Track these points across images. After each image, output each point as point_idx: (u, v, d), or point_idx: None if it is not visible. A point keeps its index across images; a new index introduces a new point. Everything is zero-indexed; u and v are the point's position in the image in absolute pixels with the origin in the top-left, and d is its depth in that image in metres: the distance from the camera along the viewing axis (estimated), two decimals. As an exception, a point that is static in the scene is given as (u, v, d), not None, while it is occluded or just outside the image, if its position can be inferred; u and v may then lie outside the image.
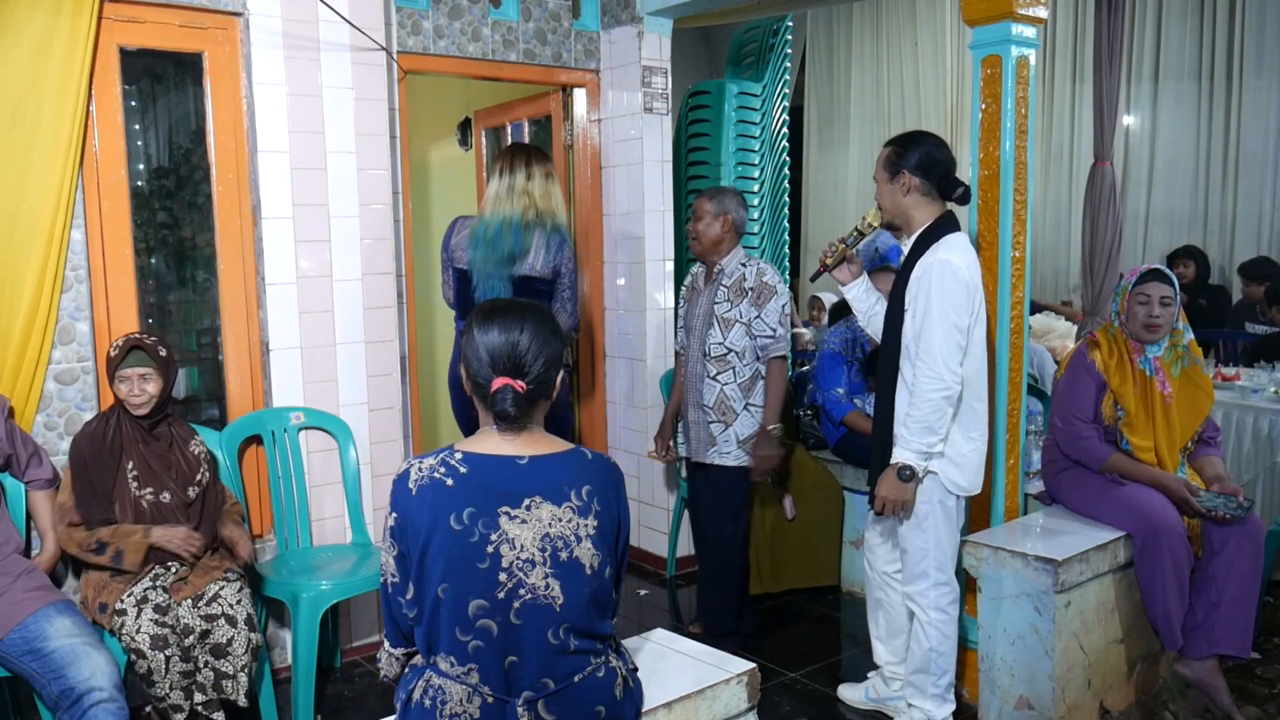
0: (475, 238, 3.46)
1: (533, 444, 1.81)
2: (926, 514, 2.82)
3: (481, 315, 1.82)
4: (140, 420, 2.91)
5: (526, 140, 4.89)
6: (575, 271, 3.58)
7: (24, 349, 2.94)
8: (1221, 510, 2.89)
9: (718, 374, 3.47)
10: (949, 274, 2.68)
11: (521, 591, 1.71)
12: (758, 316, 3.41)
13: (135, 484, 2.89)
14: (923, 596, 2.86)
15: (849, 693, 3.25)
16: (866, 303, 3.06)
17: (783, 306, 3.43)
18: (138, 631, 2.67)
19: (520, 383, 1.76)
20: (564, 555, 1.75)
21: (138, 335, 2.93)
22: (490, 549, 1.70)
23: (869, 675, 3.23)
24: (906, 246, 2.87)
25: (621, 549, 1.88)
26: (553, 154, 4.72)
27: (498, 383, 1.76)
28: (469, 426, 3.55)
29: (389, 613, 1.82)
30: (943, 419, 2.71)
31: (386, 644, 1.88)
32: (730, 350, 3.44)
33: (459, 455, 1.76)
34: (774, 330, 3.41)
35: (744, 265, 3.47)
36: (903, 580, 2.94)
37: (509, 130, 5.02)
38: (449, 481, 1.72)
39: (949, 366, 2.69)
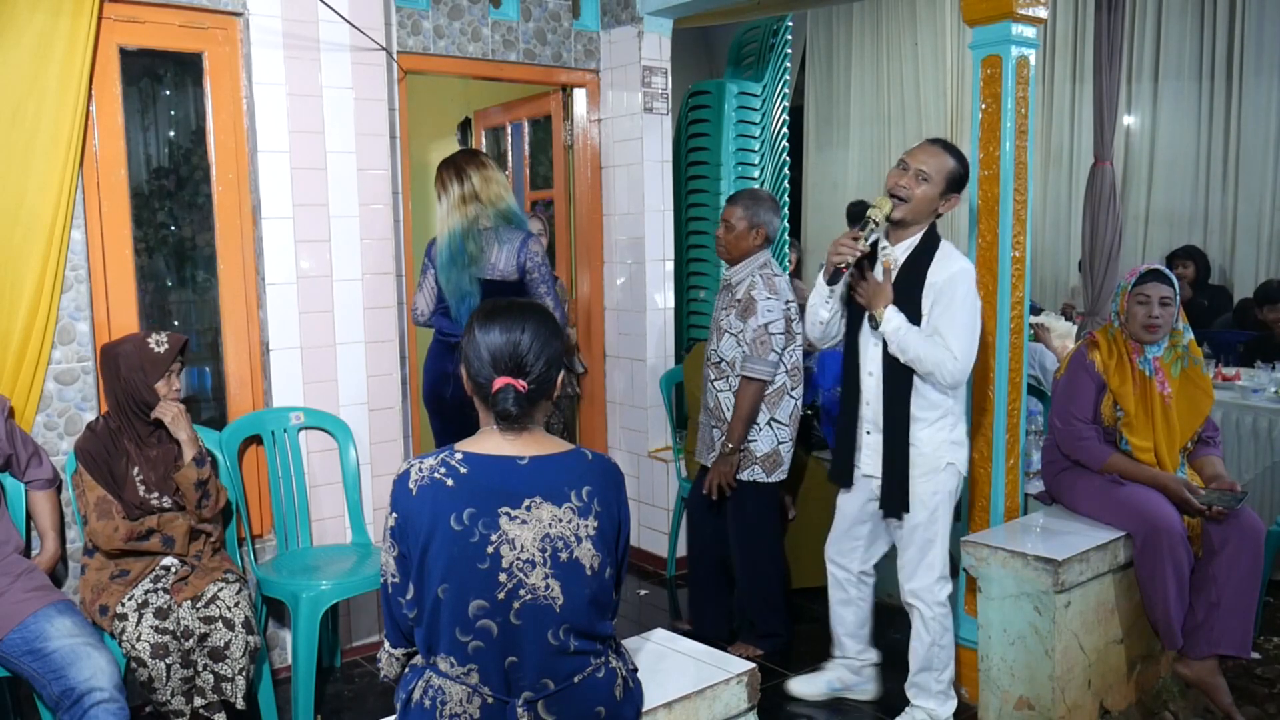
0: (439, 263, 3.45)
1: (533, 444, 1.81)
2: (937, 505, 2.84)
3: (483, 315, 1.82)
4: (142, 422, 2.92)
5: (526, 140, 4.89)
6: (545, 265, 3.49)
7: (24, 349, 2.94)
8: (1218, 505, 2.90)
9: (715, 380, 3.47)
10: (973, 283, 2.77)
11: (521, 592, 1.71)
12: (741, 330, 3.36)
13: (143, 487, 2.89)
14: (928, 592, 2.87)
15: (804, 687, 3.23)
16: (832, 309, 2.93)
17: (765, 326, 3.29)
18: (138, 639, 2.67)
19: (522, 382, 1.77)
20: (564, 556, 1.75)
21: (169, 332, 2.99)
22: (490, 549, 1.70)
23: (826, 665, 3.25)
24: (901, 249, 2.82)
25: (622, 550, 1.88)
26: (553, 154, 4.72)
27: (499, 382, 1.76)
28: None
29: (389, 613, 1.82)
30: (933, 367, 2.72)
31: (386, 644, 1.88)
32: (723, 359, 3.43)
33: (459, 455, 1.76)
34: (747, 349, 3.33)
35: (750, 276, 3.39)
36: (904, 578, 2.92)
37: (509, 130, 5.02)
38: (449, 482, 1.72)
39: (969, 364, 2.76)
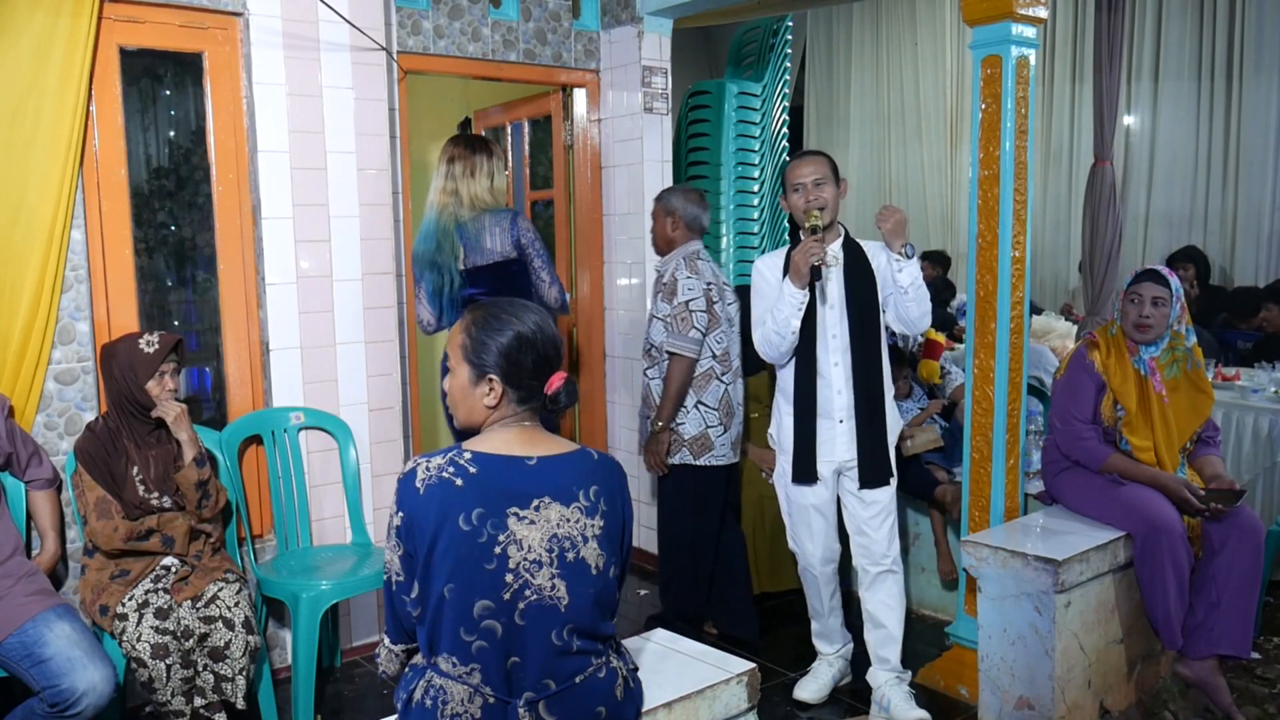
0: (415, 250, 3.42)
1: (541, 444, 1.81)
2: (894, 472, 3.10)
3: (496, 324, 1.80)
4: (141, 422, 2.92)
5: (526, 140, 4.89)
6: (540, 241, 3.43)
7: (24, 349, 2.94)
8: (1218, 503, 2.90)
9: (648, 368, 3.54)
10: None
11: (527, 592, 1.71)
12: (668, 313, 3.43)
13: (143, 487, 2.89)
14: (899, 555, 3.11)
15: (811, 692, 3.27)
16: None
17: (686, 303, 3.38)
18: (138, 640, 2.67)
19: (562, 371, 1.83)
20: (570, 556, 1.75)
21: (162, 331, 2.98)
22: (498, 550, 1.70)
23: (821, 664, 3.32)
24: (835, 247, 2.99)
25: (625, 549, 1.88)
26: (553, 154, 4.72)
27: (557, 379, 1.81)
28: None
29: (391, 609, 1.82)
30: (927, 303, 3.03)
31: (386, 640, 1.88)
32: (652, 345, 3.50)
33: (468, 455, 1.75)
34: (667, 326, 3.41)
35: (675, 261, 3.48)
36: (881, 549, 3.07)
37: (509, 130, 5.02)
38: (458, 482, 1.72)
39: None
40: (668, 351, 3.42)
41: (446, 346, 1.87)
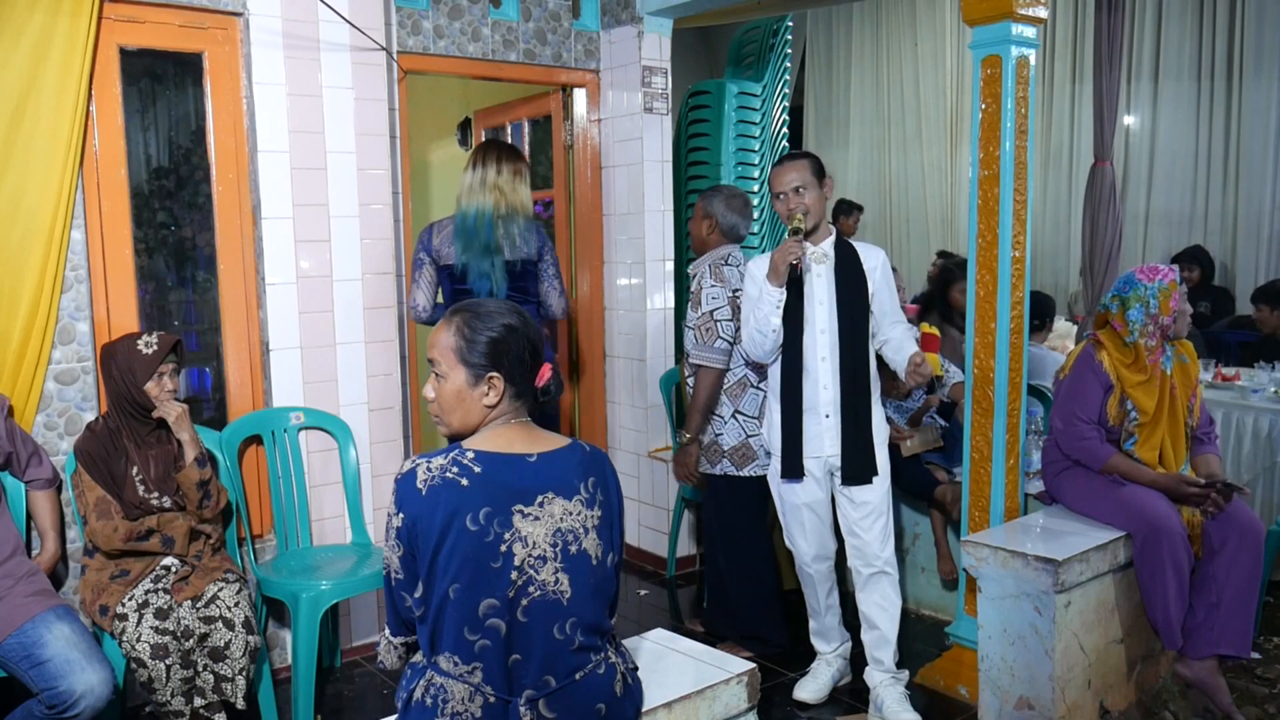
0: (456, 230, 3.43)
1: (538, 440, 1.82)
2: (887, 473, 3.08)
3: (488, 322, 1.81)
4: (141, 422, 2.92)
5: (526, 140, 4.89)
6: (554, 251, 3.60)
7: (24, 349, 2.94)
8: (1214, 491, 2.90)
9: (688, 376, 3.49)
10: None
11: (530, 589, 1.72)
12: (695, 321, 3.39)
13: (143, 487, 2.89)
14: (893, 556, 3.09)
15: (811, 692, 3.26)
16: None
17: (710, 313, 3.31)
18: (138, 640, 2.67)
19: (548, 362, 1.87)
20: (573, 549, 1.76)
21: (161, 332, 2.98)
22: (503, 548, 1.70)
23: (820, 664, 3.31)
24: (826, 245, 3.02)
25: (619, 537, 1.90)
26: (553, 154, 4.72)
27: (547, 369, 1.85)
28: None
29: (391, 604, 1.82)
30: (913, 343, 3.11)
31: (387, 632, 1.88)
32: (688, 354, 3.45)
33: (470, 454, 1.75)
34: (693, 339, 3.37)
35: (703, 267, 3.42)
36: (875, 549, 3.07)
37: (509, 130, 5.02)
38: (464, 482, 1.71)
39: None
40: (693, 364, 3.35)
41: (431, 354, 1.82)
